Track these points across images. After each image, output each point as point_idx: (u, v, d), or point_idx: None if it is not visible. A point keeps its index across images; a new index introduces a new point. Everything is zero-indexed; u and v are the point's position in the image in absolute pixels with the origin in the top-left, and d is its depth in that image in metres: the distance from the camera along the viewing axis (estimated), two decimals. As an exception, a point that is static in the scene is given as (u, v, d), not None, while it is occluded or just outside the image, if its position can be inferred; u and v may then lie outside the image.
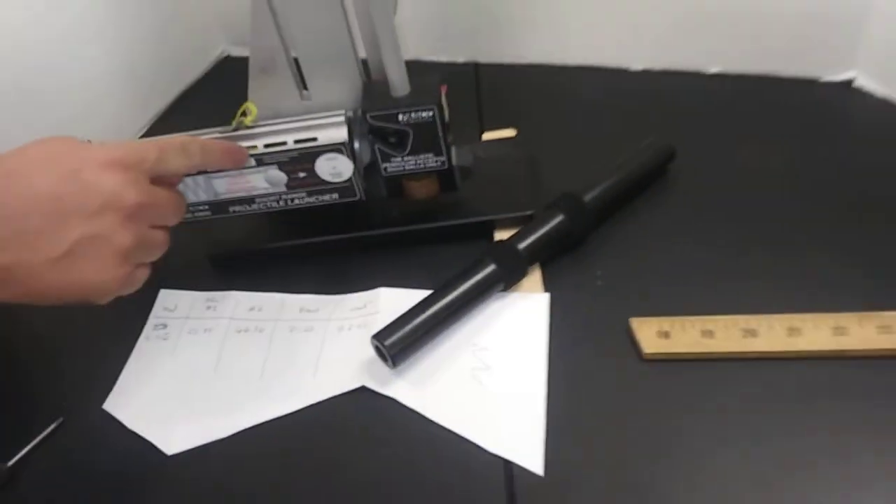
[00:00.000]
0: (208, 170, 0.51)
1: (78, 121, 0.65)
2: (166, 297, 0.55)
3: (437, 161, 0.52)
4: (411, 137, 0.50)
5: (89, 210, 0.39)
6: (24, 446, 0.47)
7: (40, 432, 0.47)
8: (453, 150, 0.53)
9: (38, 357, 0.54)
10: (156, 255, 0.44)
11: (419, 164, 0.52)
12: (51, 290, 0.39)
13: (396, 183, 0.54)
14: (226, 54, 0.83)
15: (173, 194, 0.45)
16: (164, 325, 0.53)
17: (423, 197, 0.55)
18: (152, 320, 0.54)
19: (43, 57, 0.62)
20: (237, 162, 0.50)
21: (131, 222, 0.41)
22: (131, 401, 0.49)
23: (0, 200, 0.38)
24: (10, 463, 0.46)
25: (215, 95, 0.75)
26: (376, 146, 0.51)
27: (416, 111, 0.49)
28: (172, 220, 0.45)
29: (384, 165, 0.52)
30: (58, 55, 0.64)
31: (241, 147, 0.50)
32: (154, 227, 0.43)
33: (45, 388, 0.51)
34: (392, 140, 0.50)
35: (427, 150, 0.51)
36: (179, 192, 0.46)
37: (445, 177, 0.54)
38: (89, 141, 0.42)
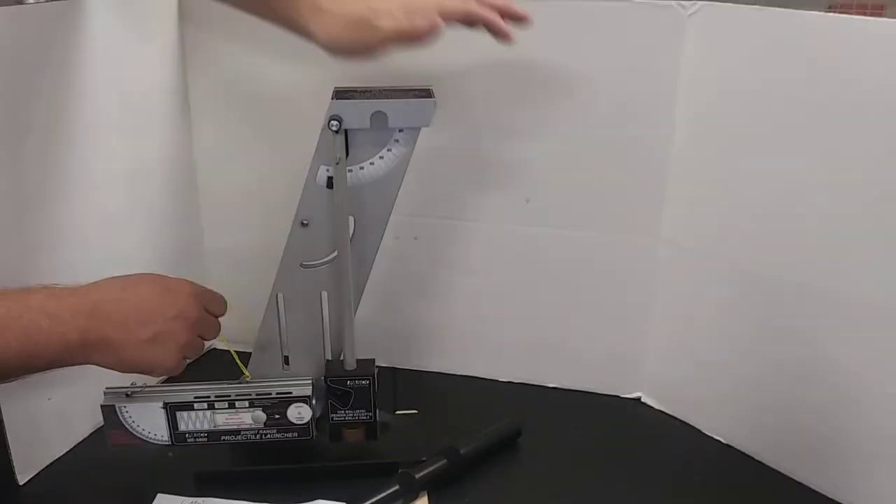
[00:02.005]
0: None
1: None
2: (162, 499, 0.77)
3: (366, 416, 0.80)
4: (353, 397, 0.79)
5: (170, 316, 0.65)
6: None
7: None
8: (377, 412, 0.82)
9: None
10: (196, 355, 0.71)
11: (354, 417, 0.80)
12: (132, 361, 0.64)
13: (337, 429, 0.81)
14: (212, 347, 1.12)
15: (215, 320, 0.72)
16: (160, 517, 0.75)
17: (353, 441, 0.82)
18: (150, 514, 0.75)
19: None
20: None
21: (191, 329, 0.67)
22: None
23: (119, 298, 0.63)
24: None
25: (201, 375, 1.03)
26: (329, 401, 0.79)
27: (360, 379, 0.79)
28: (210, 336, 0.73)
29: (332, 415, 0.80)
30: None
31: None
32: (200, 336, 0.70)
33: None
34: (340, 398, 0.79)
35: (361, 408, 0.80)
36: (218, 320, 0.74)
37: (370, 428, 0.81)
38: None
